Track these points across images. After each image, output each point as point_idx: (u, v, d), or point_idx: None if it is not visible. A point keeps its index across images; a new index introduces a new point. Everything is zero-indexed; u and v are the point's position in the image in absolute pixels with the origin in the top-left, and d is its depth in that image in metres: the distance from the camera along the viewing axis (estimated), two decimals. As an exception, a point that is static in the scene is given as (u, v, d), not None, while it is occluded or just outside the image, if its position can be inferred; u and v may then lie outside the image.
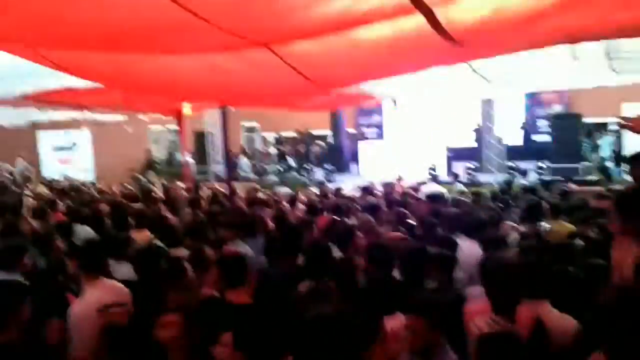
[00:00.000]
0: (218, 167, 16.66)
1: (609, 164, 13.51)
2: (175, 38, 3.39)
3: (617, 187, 9.13)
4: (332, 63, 4.40)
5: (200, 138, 16.98)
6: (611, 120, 15.36)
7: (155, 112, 12.07)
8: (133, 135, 14.92)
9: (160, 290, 3.07)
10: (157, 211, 6.31)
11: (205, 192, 9.51)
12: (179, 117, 11.65)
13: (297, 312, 2.53)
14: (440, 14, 2.95)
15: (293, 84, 5.09)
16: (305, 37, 3.57)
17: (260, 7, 2.78)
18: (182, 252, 4.05)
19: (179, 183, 10.68)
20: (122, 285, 3.42)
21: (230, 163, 13.61)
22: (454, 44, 3.63)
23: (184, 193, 8.99)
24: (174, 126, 13.56)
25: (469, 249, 4.10)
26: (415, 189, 9.23)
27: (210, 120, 16.45)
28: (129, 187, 10.67)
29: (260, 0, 2.69)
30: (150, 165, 19.20)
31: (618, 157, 13.01)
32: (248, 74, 4.62)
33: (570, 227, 4.98)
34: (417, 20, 3.07)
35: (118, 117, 10.91)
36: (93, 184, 11.47)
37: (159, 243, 4.51)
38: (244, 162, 17.46)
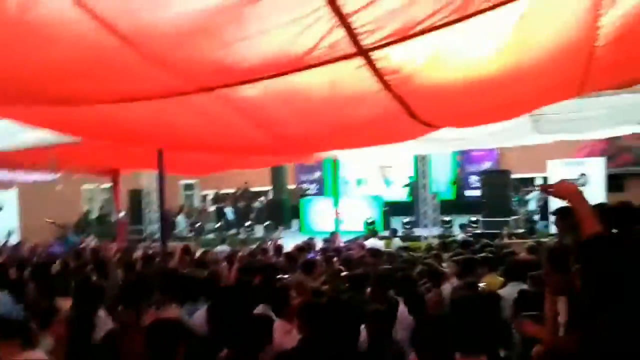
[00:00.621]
0: (154, 226, 16.15)
1: (536, 218, 14.19)
2: (117, 78, 3.25)
3: (545, 240, 9.56)
4: (281, 109, 4.34)
5: (136, 196, 16.49)
6: (538, 176, 16.29)
7: (90, 173, 11.68)
8: (64, 195, 14.26)
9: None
10: (84, 274, 5.98)
11: (138, 253, 9.13)
12: (114, 175, 11.33)
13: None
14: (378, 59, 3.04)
15: (243, 132, 4.98)
16: (248, 80, 3.50)
17: (202, 46, 2.72)
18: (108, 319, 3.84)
19: (111, 244, 10.23)
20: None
21: (167, 222, 13.23)
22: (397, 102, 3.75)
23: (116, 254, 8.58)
24: (108, 185, 13.07)
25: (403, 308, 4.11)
26: (362, 245, 9.21)
27: (147, 178, 16.08)
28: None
29: (202, 39, 2.62)
30: (82, 225, 18.34)
31: (544, 211, 13.69)
32: (194, 120, 4.51)
33: (501, 280, 5.11)
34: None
35: (49, 177, 10.42)
36: (17, 246, 10.78)
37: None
38: (181, 220, 17.04)
